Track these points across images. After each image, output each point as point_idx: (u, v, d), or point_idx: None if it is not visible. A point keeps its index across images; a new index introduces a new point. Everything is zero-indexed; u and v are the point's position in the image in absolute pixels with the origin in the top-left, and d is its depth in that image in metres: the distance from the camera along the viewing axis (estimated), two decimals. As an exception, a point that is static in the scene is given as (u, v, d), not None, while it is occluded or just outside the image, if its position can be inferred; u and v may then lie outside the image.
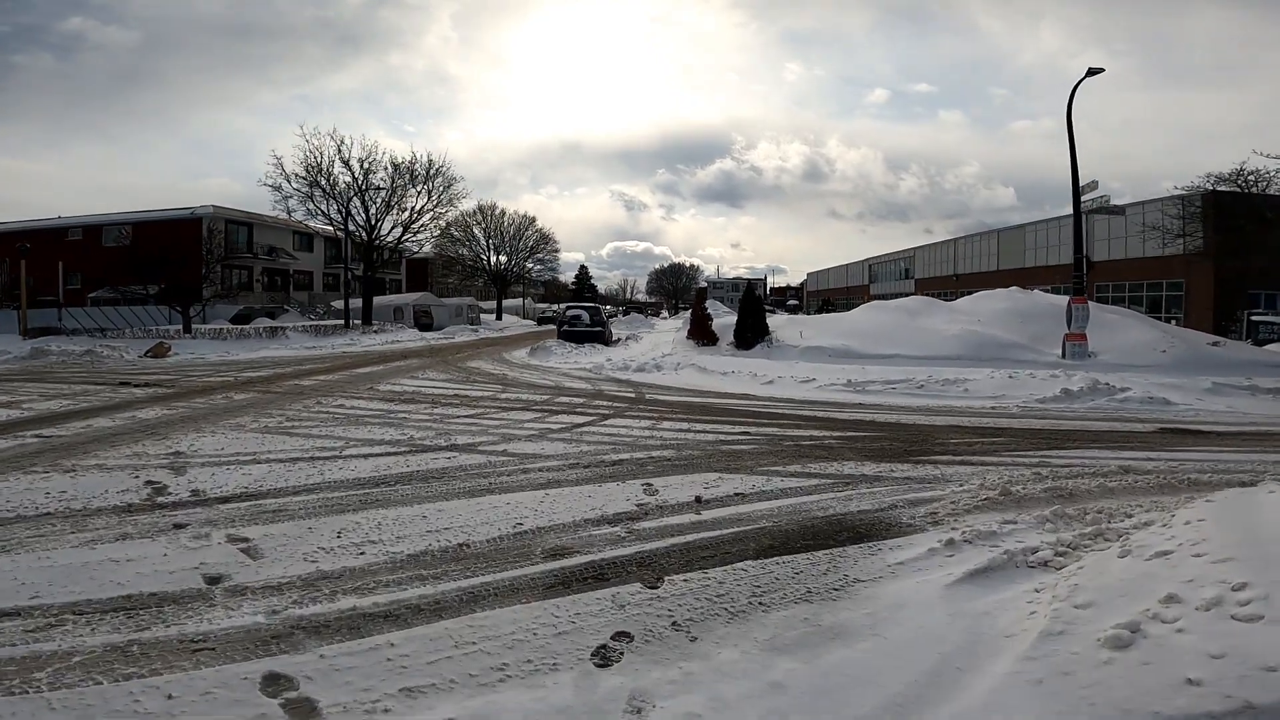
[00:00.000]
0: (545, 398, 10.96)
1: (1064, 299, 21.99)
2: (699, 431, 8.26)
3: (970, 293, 35.31)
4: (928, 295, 47.67)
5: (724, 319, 21.63)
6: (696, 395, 11.78)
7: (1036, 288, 26.45)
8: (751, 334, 18.29)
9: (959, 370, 13.89)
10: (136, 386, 12.23)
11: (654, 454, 7.00)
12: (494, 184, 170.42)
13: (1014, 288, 22.72)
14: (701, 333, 19.68)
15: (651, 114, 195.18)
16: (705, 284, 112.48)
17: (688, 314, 61.28)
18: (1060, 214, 35.67)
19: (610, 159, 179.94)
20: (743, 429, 8.47)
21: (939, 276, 47.36)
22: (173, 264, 29.27)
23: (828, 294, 72.70)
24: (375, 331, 32.78)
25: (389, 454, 6.86)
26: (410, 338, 30.34)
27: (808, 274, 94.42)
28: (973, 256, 42.95)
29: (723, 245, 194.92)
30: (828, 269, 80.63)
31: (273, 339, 27.18)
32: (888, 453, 7.28)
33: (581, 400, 10.73)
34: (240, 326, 28.81)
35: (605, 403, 10.54)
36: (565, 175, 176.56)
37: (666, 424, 8.74)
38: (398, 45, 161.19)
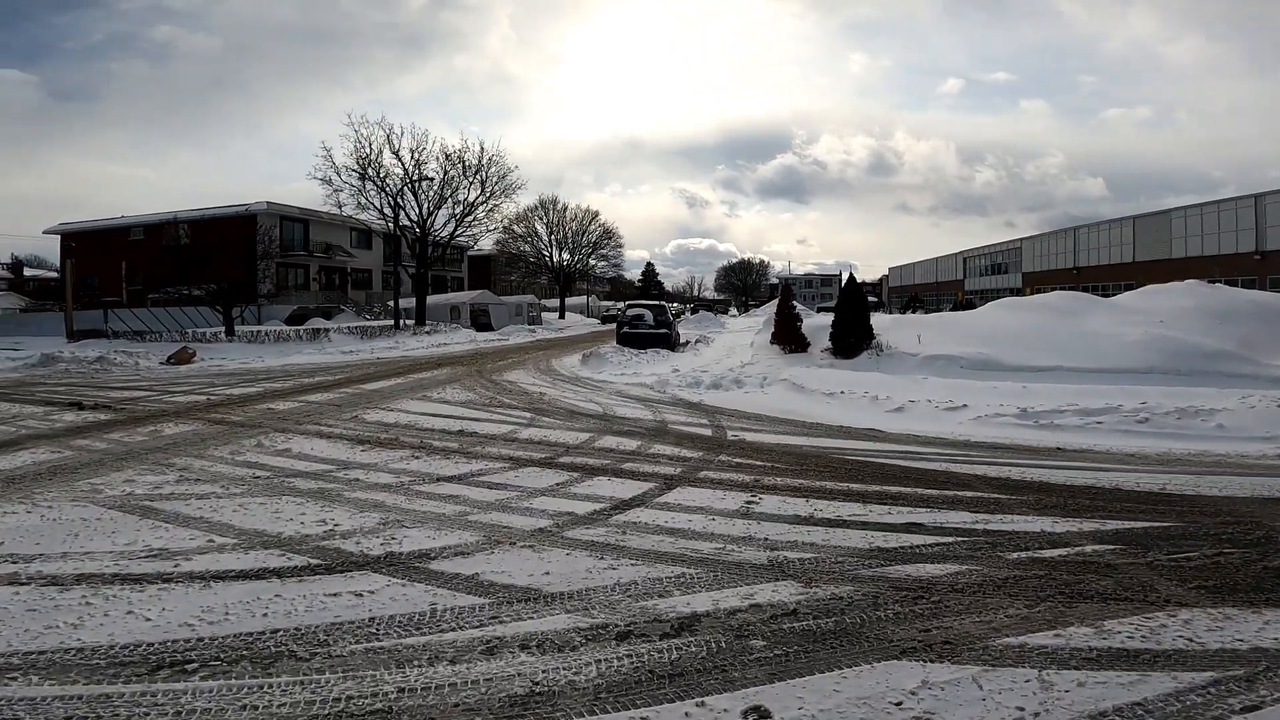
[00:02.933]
0: (584, 438, 7.65)
1: (1267, 295, 17.19)
2: (830, 521, 4.75)
3: (1101, 289, 30.01)
4: (1038, 290, 42.09)
5: (814, 320, 17.86)
6: (800, 431, 8.24)
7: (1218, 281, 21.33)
8: (854, 338, 14.50)
9: (1170, 390, 9.82)
10: (86, 408, 9.75)
11: (758, 592, 3.58)
12: (558, 183, 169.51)
13: (1191, 280, 17.93)
14: (788, 336, 16.01)
15: (710, 109, 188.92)
16: (776, 280, 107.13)
17: (761, 311, 56.95)
18: (1222, 196, 29.86)
19: (671, 156, 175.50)
20: (906, 512, 4.91)
21: (1054, 270, 41.58)
22: (217, 263, 27.75)
23: (914, 290, 66.80)
24: (427, 333, 30.54)
25: (257, 575, 3.71)
26: (460, 340, 27.85)
27: (889, 269, 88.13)
28: (1099, 247, 37.15)
29: (789, 241, 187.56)
30: (913, 263, 74.58)
31: (313, 341, 25.17)
32: (1237, 577, 3.64)
33: (634, 444, 7.36)
34: (285, 328, 27.03)
35: (669, 449, 7.14)
36: (628, 173, 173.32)
37: (770, 501, 5.27)
38: (460, 47, 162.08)
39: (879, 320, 16.44)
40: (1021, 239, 46.95)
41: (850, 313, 14.71)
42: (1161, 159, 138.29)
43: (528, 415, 9.03)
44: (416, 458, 6.58)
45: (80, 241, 39.93)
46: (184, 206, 36.51)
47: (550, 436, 7.63)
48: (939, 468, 6.40)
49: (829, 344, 15.32)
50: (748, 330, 32.38)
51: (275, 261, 35.20)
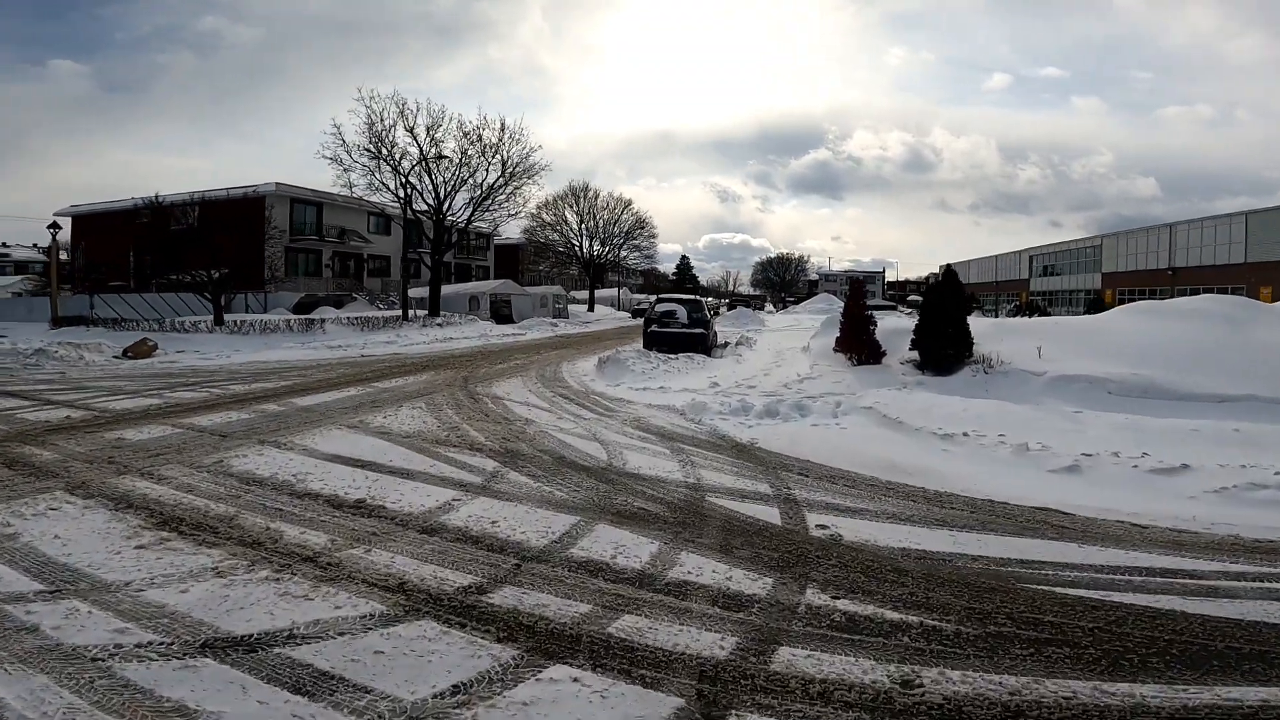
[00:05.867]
0: (559, 530, 4.44)
1: None
2: None
3: (1204, 293, 25.72)
4: (1123, 292, 37.57)
5: (886, 323, 14.34)
6: (928, 513, 4.92)
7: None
8: (952, 349, 11.03)
9: None
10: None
11: None
12: (592, 175, 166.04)
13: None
14: (859, 344, 12.58)
15: (743, 103, 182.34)
16: (816, 276, 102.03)
17: (801, 308, 52.60)
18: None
19: (704, 149, 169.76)
20: None
21: (1142, 271, 36.97)
22: (217, 247, 25.37)
23: (970, 290, 61.93)
24: (438, 325, 27.74)
25: None
26: (470, 334, 24.95)
27: (939, 267, 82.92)
28: (1201, 246, 32.52)
29: (824, 238, 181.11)
30: (967, 261, 69.42)
31: (304, 333, 22.54)
32: None
33: (646, 551, 4.13)
34: (275, 318, 24.47)
35: (709, 568, 3.90)
36: (661, 166, 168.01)
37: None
38: (493, 37, 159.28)
39: (974, 326, 12.86)
40: (1102, 236, 42.16)
41: (946, 315, 11.21)
42: (1217, 159, 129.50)
43: (489, 467, 5.85)
44: (220, 573, 3.47)
45: (92, 224, 38.32)
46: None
47: (503, 522, 4.45)
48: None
49: (912, 354, 11.86)
50: (792, 329, 28.85)
51: (283, 246, 32.90)
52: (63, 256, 41.44)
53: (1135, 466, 5.95)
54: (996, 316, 36.58)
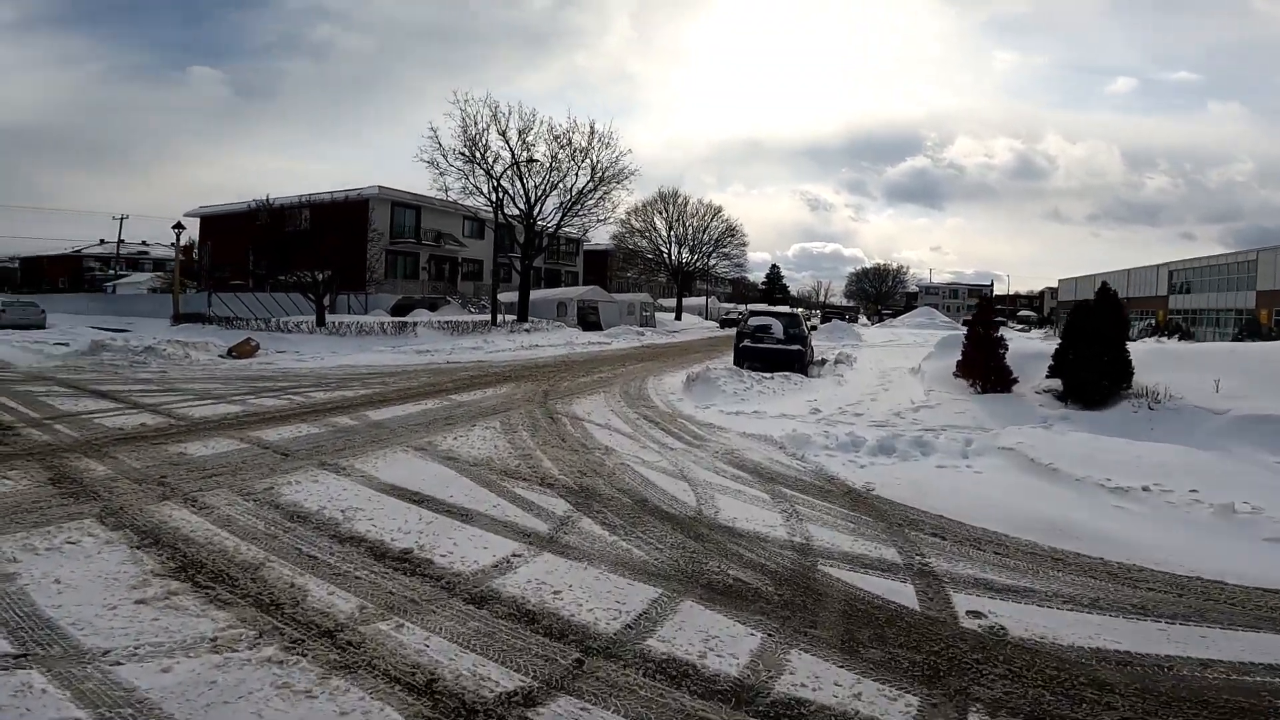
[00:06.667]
0: (633, 610, 3.54)
1: None
2: None
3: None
4: (1278, 313, 32.98)
5: (1015, 345, 12.61)
6: (1110, 594, 3.72)
7: None
8: (1108, 380, 9.37)
9: None
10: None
11: None
12: (680, 182, 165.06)
13: None
14: (984, 369, 11.03)
15: (835, 109, 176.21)
16: (916, 288, 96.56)
17: (898, 322, 49.47)
18: None
19: (794, 156, 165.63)
20: None
21: (1310, 287, 32.33)
22: (323, 249, 26.39)
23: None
24: (526, 331, 27.70)
25: None
26: (556, 342, 24.66)
27: (1059, 281, 76.45)
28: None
29: (921, 248, 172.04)
30: (1090, 275, 63.63)
31: (397, 336, 22.93)
32: None
33: (746, 647, 3.16)
34: (371, 320, 25.07)
35: (830, 680, 2.92)
36: (750, 173, 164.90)
37: None
38: (582, 45, 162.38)
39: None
40: (1259, 249, 37.22)
41: (1101, 339, 9.55)
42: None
43: (559, 510, 5.06)
44: (217, 646, 2.83)
45: (217, 225, 40.92)
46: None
47: (568, 593, 3.62)
48: None
49: (1052, 382, 10.25)
50: (892, 345, 26.92)
51: (383, 248, 33.98)
52: (194, 256, 44.87)
53: None
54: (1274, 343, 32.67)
